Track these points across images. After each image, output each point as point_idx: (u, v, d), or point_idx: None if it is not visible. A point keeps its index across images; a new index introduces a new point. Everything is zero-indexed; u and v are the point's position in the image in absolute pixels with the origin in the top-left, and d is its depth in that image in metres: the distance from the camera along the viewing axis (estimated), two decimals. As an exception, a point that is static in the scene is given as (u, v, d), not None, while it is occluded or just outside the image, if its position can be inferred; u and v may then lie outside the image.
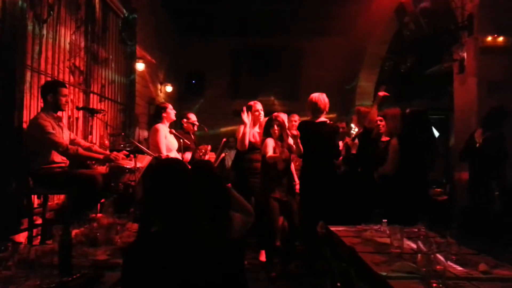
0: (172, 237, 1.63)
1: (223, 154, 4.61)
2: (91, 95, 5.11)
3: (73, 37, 4.63)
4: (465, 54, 4.87)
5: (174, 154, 4.42)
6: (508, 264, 2.15)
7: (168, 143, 4.43)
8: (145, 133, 7.34)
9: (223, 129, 9.74)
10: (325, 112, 4.32)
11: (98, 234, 2.48)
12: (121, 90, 6.13)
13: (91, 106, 4.95)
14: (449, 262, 2.14)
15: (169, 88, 8.99)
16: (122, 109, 6.16)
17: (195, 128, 5.40)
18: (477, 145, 4.09)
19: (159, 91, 8.67)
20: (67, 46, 4.49)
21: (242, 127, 4.39)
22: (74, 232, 2.60)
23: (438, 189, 5.93)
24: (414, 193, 3.74)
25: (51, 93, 3.49)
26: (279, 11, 8.45)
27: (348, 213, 3.94)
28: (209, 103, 10.35)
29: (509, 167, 4.14)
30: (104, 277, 1.81)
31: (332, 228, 3.12)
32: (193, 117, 5.36)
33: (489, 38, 4.66)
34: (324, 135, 4.20)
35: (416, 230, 3.02)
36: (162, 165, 1.88)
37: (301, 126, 4.34)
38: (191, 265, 1.64)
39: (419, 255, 2.11)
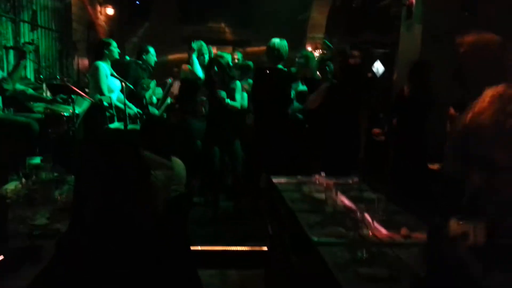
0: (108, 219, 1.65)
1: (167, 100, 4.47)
2: (21, 24, 4.65)
3: (-5, -42, 4.09)
4: (413, 0, 4.87)
5: (117, 95, 4.22)
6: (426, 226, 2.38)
7: (110, 83, 4.19)
8: (85, 62, 6.91)
9: (171, 57, 9.37)
10: (283, 59, 4.19)
11: (36, 193, 2.42)
12: (55, 16, 5.62)
13: (21, 37, 4.53)
14: (375, 223, 2.34)
15: (110, 11, 8.33)
16: (58, 37, 5.70)
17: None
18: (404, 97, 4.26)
19: (99, 14, 8.01)
20: (-11, -31, 3.98)
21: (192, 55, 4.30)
22: (10, 189, 2.53)
23: (377, 130, 6.15)
24: (348, 137, 3.90)
25: None
26: None
27: (297, 161, 4.06)
28: (156, 28, 9.78)
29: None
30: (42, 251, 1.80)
31: (274, 180, 3.23)
32: (153, 51, 4.90)
33: (439, -15, 4.65)
34: (278, 83, 4.12)
35: (351, 182, 3.24)
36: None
37: (257, 74, 4.26)
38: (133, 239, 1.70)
39: (347, 219, 2.30)
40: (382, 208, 2.60)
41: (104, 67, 4.18)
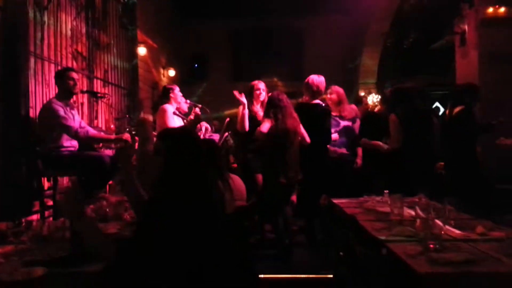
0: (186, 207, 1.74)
1: (226, 133, 4.61)
2: (95, 80, 5.16)
3: (74, 23, 4.67)
4: (466, 27, 4.84)
5: None
6: (506, 227, 2.20)
7: (175, 124, 4.47)
8: (149, 118, 7.40)
9: (227, 112, 9.79)
10: (322, 95, 4.32)
11: (107, 210, 2.57)
12: (124, 75, 6.17)
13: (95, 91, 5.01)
14: (447, 227, 2.20)
15: (171, 72, 9.01)
16: (126, 93, 6.20)
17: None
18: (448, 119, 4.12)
19: (162, 76, 8.70)
20: (69, 32, 4.53)
21: (240, 108, 4.38)
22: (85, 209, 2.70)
23: (442, 163, 5.97)
24: (416, 166, 3.77)
25: (61, 79, 3.61)
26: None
27: (348, 188, 3.99)
28: (212, 86, 10.39)
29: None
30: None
31: (335, 201, 3.18)
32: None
33: (490, 10, 4.62)
34: (316, 116, 4.19)
35: (417, 199, 3.09)
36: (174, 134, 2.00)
37: (297, 108, 4.35)
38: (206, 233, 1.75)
39: (418, 220, 2.18)
40: (454, 216, 2.46)
41: (170, 109, 4.49)
